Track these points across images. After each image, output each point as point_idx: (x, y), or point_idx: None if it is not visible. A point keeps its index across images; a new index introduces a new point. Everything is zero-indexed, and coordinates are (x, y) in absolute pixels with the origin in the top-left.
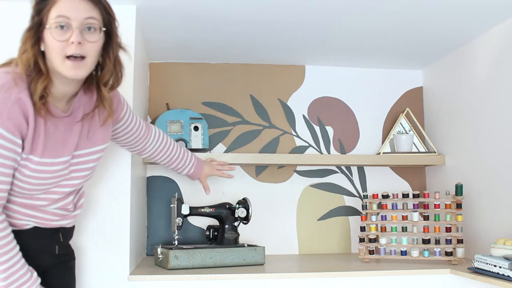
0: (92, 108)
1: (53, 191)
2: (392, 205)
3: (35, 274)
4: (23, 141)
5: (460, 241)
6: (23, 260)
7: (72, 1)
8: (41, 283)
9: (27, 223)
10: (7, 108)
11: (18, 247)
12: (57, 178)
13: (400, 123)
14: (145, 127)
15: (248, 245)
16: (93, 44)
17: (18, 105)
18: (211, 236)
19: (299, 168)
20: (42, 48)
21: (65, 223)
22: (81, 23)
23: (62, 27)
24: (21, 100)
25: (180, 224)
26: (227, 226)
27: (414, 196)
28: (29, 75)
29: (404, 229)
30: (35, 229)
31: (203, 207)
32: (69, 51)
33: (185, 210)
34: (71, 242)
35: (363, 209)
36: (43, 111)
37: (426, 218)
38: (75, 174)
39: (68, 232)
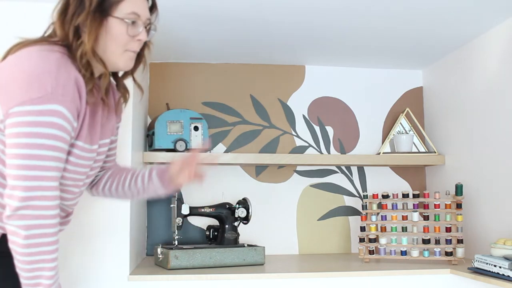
0: (118, 95)
1: (77, 183)
2: (392, 205)
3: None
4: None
5: (460, 241)
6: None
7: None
8: None
9: None
10: (70, 89)
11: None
12: (86, 168)
13: (400, 123)
14: (115, 162)
15: (248, 245)
16: (142, 42)
17: (76, 86)
18: (211, 236)
19: (299, 168)
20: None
21: (60, 228)
22: (144, 22)
23: (133, 22)
24: (77, 80)
25: (180, 224)
26: (227, 226)
27: (414, 196)
28: (65, 53)
29: (404, 229)
30: None
31: (203, 207)
32: (133, 47)
33: (185, 210)
34: (67, 240)
35: (363, 209)
36: (91, 93)
37: (426, 218)
38: (95, 164)
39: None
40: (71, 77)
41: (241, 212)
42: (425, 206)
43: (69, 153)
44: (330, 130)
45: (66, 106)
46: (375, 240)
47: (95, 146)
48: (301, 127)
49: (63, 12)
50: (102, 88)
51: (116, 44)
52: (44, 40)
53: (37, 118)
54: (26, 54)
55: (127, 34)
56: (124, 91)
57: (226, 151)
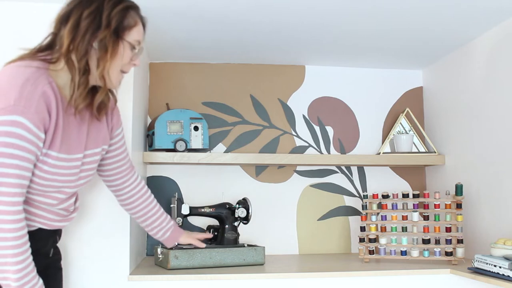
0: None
1: (62, 190)
2: (392, 205)
3: (41, 280)
4: (45, 135)
5: (460, 241)
6: (33, 264)
7: (142, 28)
8: None
9: (34, 224)
10: (34, 101)
11: (30, 250)
12: (70, 176)
13: (400, 123)
14: (130, 164)
15: (248, 245)
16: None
17: (43, 99)
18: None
19: (299, 168)
20: (95, 46)
21: (64, 224)
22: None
23: (135, 48)
24: (45, 93)
25: (180, 224)
26: (227, 226)
27: (414, 196)
28: (44, 67)
29: (404, 229)
30: (38, 231)
31: (203, 207)
32: (128, 69)
33: (185, 210)
34: (67, 240)
35: (363, 209)
36: (70, 105)
37: (426, 218)
38: (83, 174)
39: (61, 234)
40: (37, 91)
41: (241, 212)
42: (425, 206)
43: (43, 162)
44: (330, 130)
45: (28, 118)
46: (375, 240)
47: (76, 155)
48: (301, 127)
49: (75, 28)
50: (95, 102)
51: (119, 65)
52: (29, 55)
53: None
54: (4, 71)
55: (129, 56)
56: (113, 100)
57: (226, 151)
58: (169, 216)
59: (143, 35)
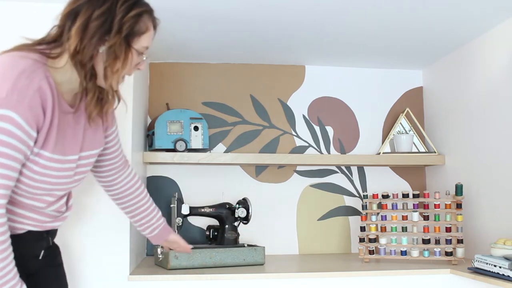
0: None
1: (53, 193)
2: (392, 205)
3: (24, 286)
4: (37, 134)
5: (460, 241)
6: (16, 269)
7: (153, 33)
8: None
9: (23, 227)
10: (28, 96)
11: (13, 255)
12: (62, 179)
13: (400, 123)
14: (124, 160)
15: (248, 245)
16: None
17: (38, 94)
18: (211, 236)
19: (299, 168)
20: (101, 50)
21: (56, 225)
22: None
23: (142, 54)
24: (41, 89)
25: (180, 224)
26: (227, 226)
27: (414, 196)
28: (43, 61)
29: (404, 229)
30: (28, 233)
31: (203, 207)
32: (131, 73)
33: (185, 210)
34: (67, 240)
35: (363, 209)
36: (66, 104)
37: (426, 218)
38: (77, 177)
39: (55, 233)
40: (33, 85)
41: (241, 212)
42: (425, 206)
43: (33, 162)
44: (330, 130)
45: (19, 113)
46: (375, 240)
47: (71, 157)
48: (301, 127)
49: (84, 28)
50: (106, 109)
51: (124, 69)
52: (27, 46)
53: None
54: (0, 60)
55: (135, 62)
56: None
57: (226, 151)
58: (160, 213)
59: (152, 40)
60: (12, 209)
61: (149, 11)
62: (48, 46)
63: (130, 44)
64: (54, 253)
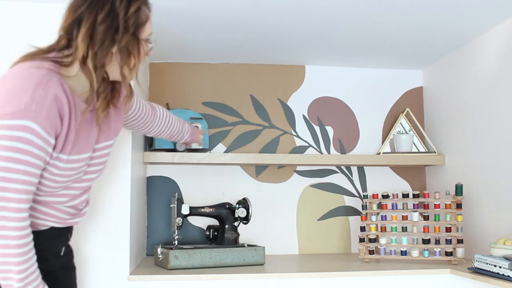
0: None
1: (72, 186)
2: (392, 205)
3: (46, 287)
4: (56, 140)
5: (460, 241)
6: (38, 271)
7: (151, 19)
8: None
9: (46, 223)
10: (46, 106)
11: (35, 257)
12: (79, 174)
13: (400, 123)
14: (151, 110)
15: (248, 245)
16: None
17: (55, 103)
18: (211, 236)
19: (299, 168)
20: (114, 51)
21: (76, 221)
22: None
23: (150, 42)
24: (57, 97)
25: (180, 224)
26: (227, 226)
27: (414, 196)
28: (56, 69)
29: (404, 229)
30: (51, 229)
31: (203, 207)
32: (142, 61)
33: (185, 210)
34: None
35: (363, 209)
36: (81, 108)
37: (426, 218)
38: (92, 168)
39: (73, 231)
40: (50, 95)
41: (241, 212)
42: (425, 206)
43: (53, 166)
44: (330, 130)
45: (38, 123)
46: (375, 240)
47: (86, 154)
48: (301, 127)
49: (91, 34)
50: (84, 97)
51: (135, 61)
52: (40, 54)
53: (7, 132)
54: (15, 71)
55: (146, 53)
56: (130, 90)
57: (226, 151)
58: (186, 124)
59: (151, 24)
60: (36, 207)
61: (145, 1)
62: (58, 53)
63: (138, 37)
64: (70, 254)
